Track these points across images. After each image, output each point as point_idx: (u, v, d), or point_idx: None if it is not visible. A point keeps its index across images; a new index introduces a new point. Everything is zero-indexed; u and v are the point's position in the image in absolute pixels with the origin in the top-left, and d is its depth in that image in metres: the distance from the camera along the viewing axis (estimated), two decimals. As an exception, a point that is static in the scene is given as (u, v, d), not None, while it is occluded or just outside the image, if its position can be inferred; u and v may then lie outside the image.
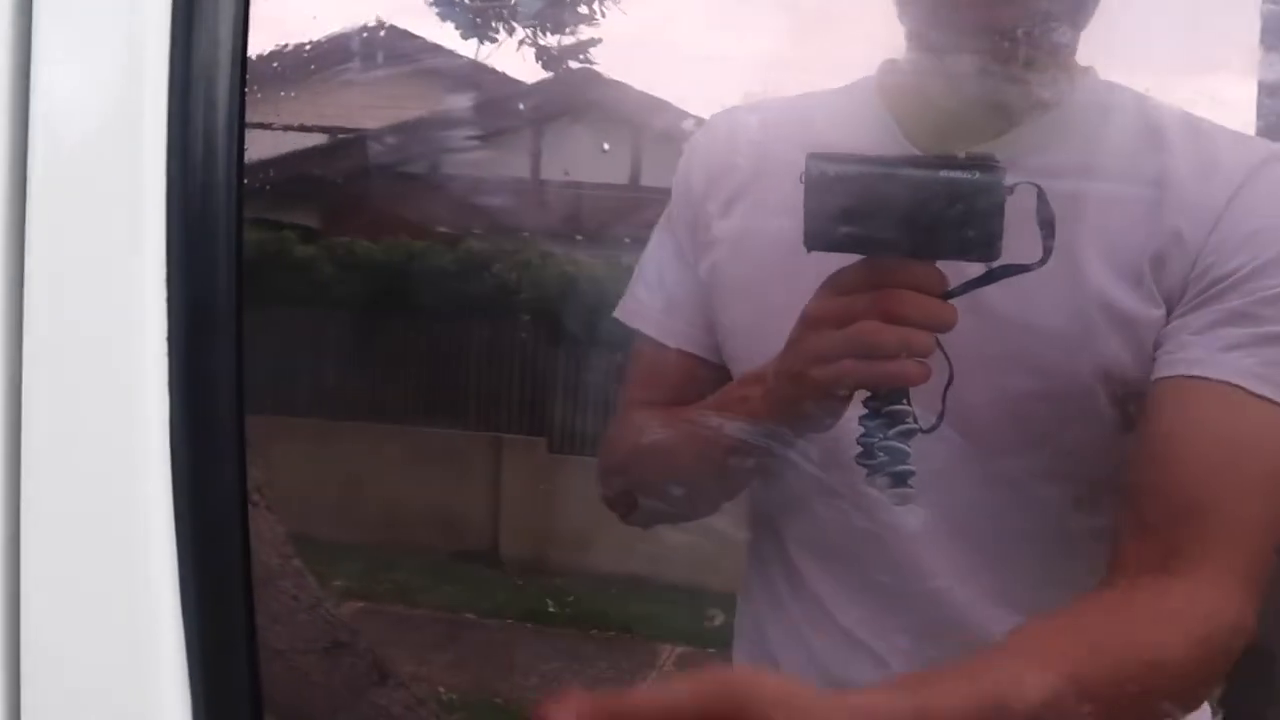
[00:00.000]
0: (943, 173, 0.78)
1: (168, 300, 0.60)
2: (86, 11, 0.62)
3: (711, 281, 1.00)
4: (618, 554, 4.35)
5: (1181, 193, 0.86)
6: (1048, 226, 0.80)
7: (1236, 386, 0.82)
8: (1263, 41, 0.96)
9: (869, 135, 0.93)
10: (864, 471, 0.84)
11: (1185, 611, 0.79)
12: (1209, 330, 0.84)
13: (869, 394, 0.84)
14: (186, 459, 0.61)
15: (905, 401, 0.83)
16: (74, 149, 0.63)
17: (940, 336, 0.81)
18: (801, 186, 0.79)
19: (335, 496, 4.89)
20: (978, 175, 0.77)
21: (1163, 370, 0.85)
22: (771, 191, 0.96)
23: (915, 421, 0.83)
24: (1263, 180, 0.85)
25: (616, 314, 1.06)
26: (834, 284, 0.82)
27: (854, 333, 0.80)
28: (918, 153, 0.91)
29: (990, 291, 0.81)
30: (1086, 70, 0.91)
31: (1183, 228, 0.85)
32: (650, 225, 1.06)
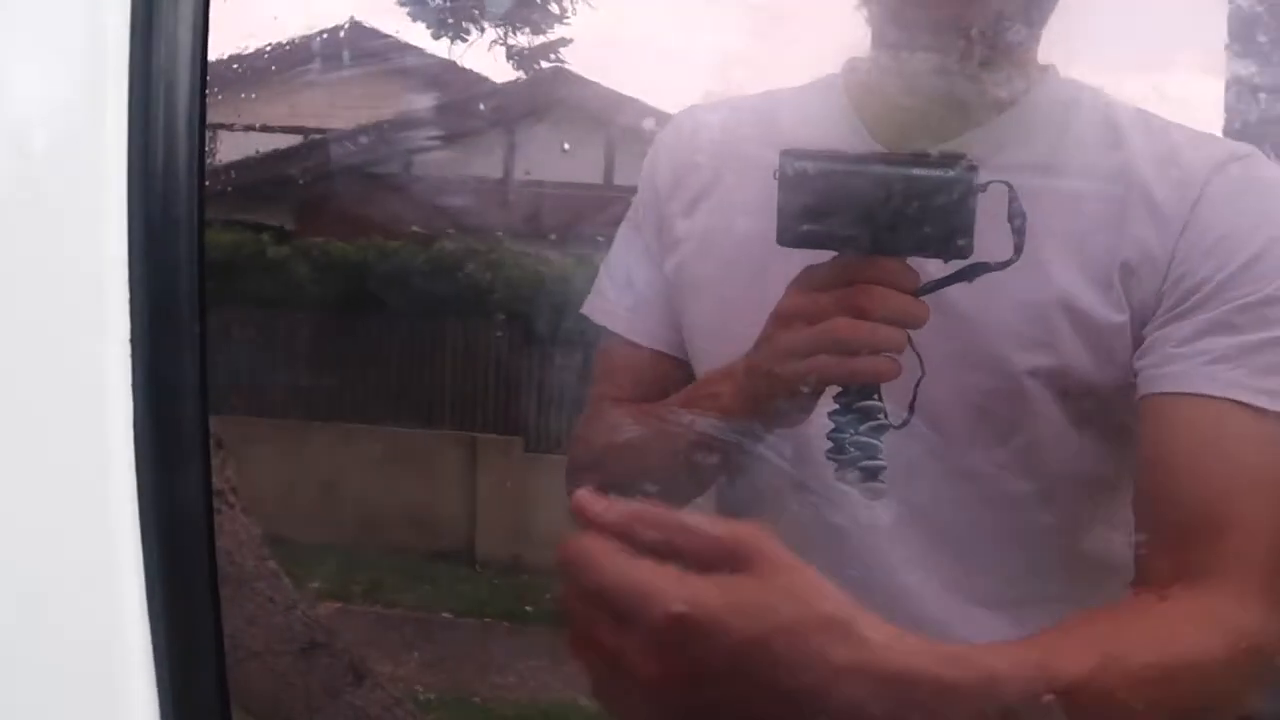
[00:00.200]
0: (916, 171, 0.79)
1: (130, 301, 0.60)
2: (46, 14, 0.62)
3: (677, 280, 1.00)
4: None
5: (1145, 195, 0.86)
6: (1019, 225, 0.80)
7: (1233, 402, 0.82)
8: (1228, 38, 0.96)
9: (834, 132, 0.93)
10: (834, 466, 0.84)
11: (1217, 627, 0.78)
12: (1192, 342, 0.84)
13: (840, 389, 0.84)
14: (151, 460, 0.60)
15: (877, 397, 0.84)
16: (35, 152, 0.62)
17: (910, 333, 0.81)
18: (772, 184, 0.79)
19: (311, 497, 4.87)
20: (950, 174, 0.78)
21: (1153, 386, 0.85)
22: (736, 190, 0.96)
23: (886, 417, 0.84)
24: (1225, 182, 0.86)
25: (584, 311, 1.06)
26: (806, 280, 0.82)
27: (827, 329, 0.81)
28: (882, 150, 0.91)
29: (953, 288, 0.82)
30: (1047, 68, 0.92)
31: (1149, 236, 0.86)
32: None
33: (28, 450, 0.61)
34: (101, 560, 0.61)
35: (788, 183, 0.79)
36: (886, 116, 0.92)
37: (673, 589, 0.59)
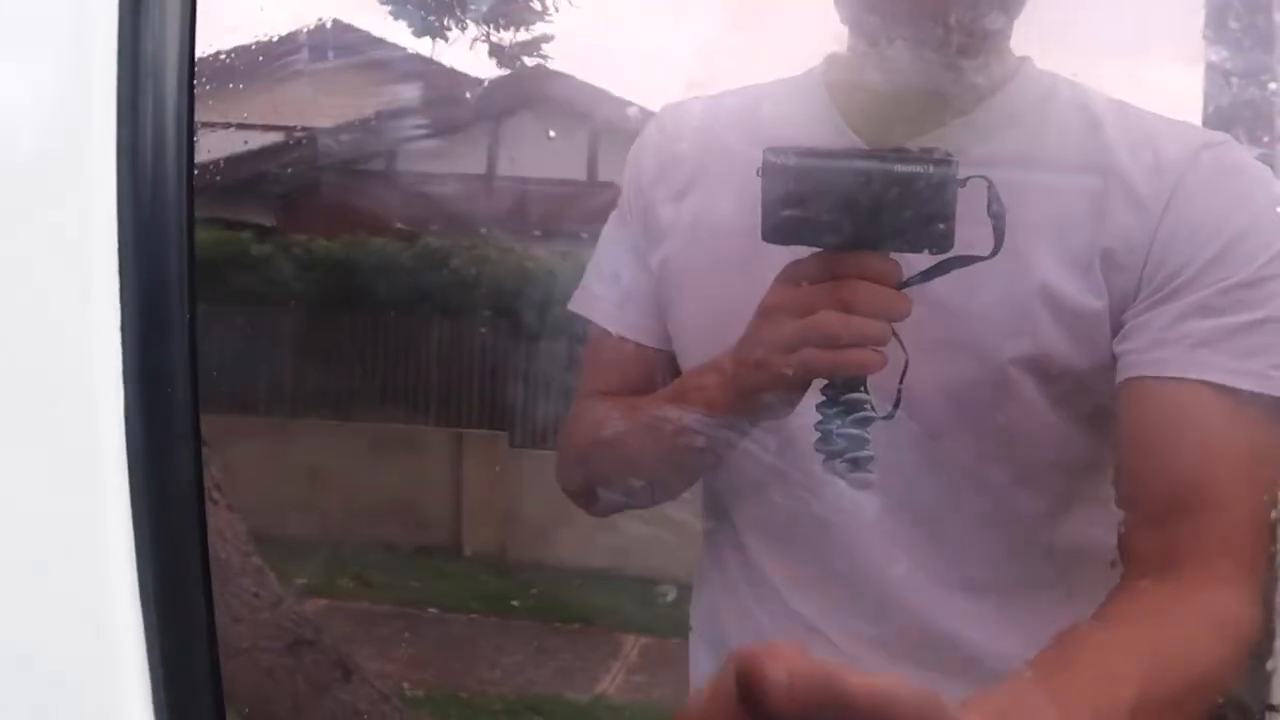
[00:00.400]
0: (897, 166, 0.80)
1: (120, 294, 0.60)
2: (33, 6, 0.62)
3: (663, 274, 1.00)
4: (580, 547, 4.35)
5: (1124, 184, 0.87)
6: (999, 219, 0.81)
7: (1216, 385, 0.83)
8: (1205, 26, 0.97)
9: (815, 127, 0.94)
10: (820, 458, 0.85)
11: (1205, 612, 0.80)
12: (1174, 326, 0.85)
13: (826, 382, 0.85)
14: (143, 453, 0.60)
15: (863, 389, 0.85)
16: (24, 147, 0.63)
17: (894, 325, 0.82)
18: (757, 179, 0.80)
19: (297, 494, 4.86)
20: (931, 169, 0.79)
21: (1136, 370, 0.86)
22: (720, 184, 0.97)
23: (873, 409, 0.85)
24: (1201, 170, 0.87)
25: (571, 305, 1.06)
26: (792, 275, 0.83)
27: (812, 323, 0.82)
28: (863, 144, 0.92)
29: (935, 280, 0.83)
30: (1023, 59, 0.93)
31: (1129, 223, 0.87)
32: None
33: (18, 442, 0.62)
34: (94, 553, 0.61)
35: (771, 179, 0.80)
36: (866, 109, 0.93)
37: None
